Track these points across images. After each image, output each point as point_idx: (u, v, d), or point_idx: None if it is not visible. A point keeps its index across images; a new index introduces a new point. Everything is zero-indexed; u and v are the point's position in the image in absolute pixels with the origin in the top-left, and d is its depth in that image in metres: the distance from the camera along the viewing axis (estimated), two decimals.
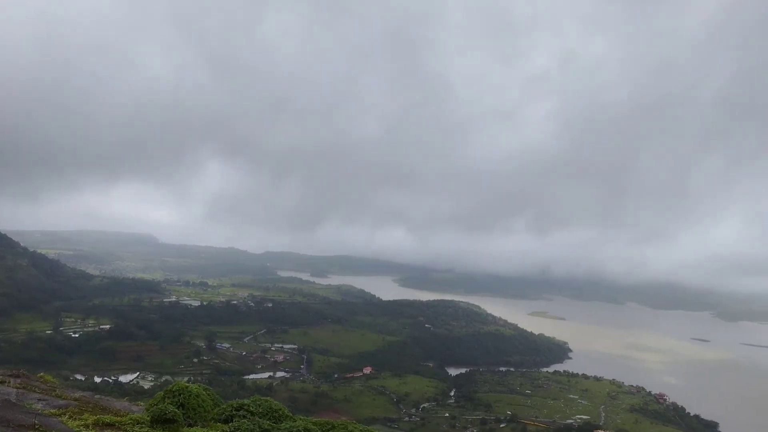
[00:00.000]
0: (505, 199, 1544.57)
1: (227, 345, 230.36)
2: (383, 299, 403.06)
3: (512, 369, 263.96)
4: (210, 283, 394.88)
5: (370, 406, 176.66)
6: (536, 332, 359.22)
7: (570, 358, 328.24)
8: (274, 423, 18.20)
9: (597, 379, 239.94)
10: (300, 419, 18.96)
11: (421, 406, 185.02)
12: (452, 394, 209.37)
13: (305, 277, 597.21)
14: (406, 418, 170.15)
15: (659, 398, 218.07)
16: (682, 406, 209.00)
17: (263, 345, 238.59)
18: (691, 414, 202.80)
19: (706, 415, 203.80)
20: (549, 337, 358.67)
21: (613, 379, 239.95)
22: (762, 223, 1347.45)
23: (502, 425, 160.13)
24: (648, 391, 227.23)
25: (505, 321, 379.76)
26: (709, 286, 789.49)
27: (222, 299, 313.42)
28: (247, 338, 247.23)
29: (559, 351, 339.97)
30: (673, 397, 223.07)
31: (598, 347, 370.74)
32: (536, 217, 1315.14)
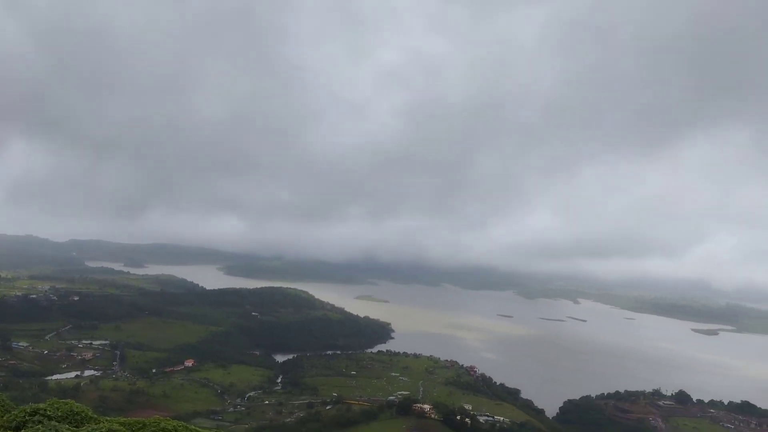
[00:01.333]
0: (343, 189, 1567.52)
1: (25, 344, 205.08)
2: (207, 289, 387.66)
3: (339, 352, 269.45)
4: (2, 276, 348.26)
5: (191, 400, 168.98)
6: (362, 315, 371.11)
7: (393, 338, 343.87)
8: (74, 427, 16.09)
9: (416, 356, 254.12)
10: (105, 421, 16.96)
11: (247, 396, 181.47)
12: (279, 381, 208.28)
13: (118, 267, 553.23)
14: (231, 409, 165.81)
15: (470, 370, 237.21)
16: (489, 377, 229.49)
17: (69, 342, 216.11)
18: (497, 383, 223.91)
19: (510, 383, 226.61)
20: (374, 320, 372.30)
21: (431, 356, 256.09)
22: (566, 214, 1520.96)
23: (328, 407, 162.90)
24: (461, 364, 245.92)
25: (333, 306, 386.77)
26: (515, 268, 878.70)
27: (18, 293, 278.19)
28: (50, 335, 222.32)
29: (382, 332, 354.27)
30: (482, 369, 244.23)
31: (418, 327, 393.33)
32: (370, 207, 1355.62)
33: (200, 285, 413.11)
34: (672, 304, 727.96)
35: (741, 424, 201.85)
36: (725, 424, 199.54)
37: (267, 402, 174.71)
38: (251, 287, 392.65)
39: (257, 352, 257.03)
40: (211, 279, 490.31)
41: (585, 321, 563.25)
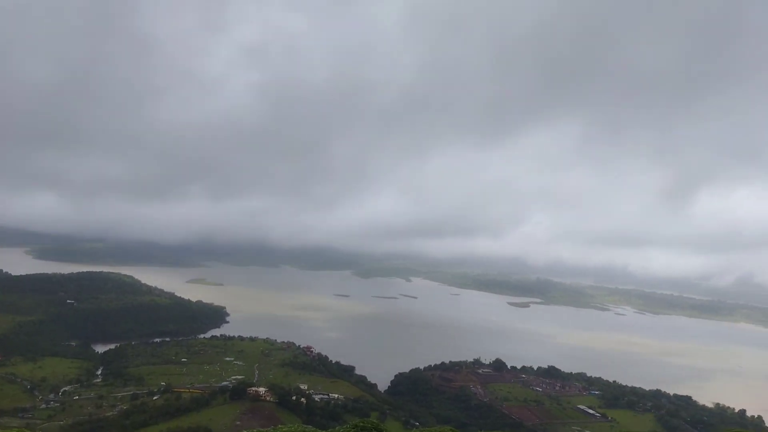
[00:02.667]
0: (186, 167, 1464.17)
1: None
2: (13, 274, 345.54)
3: (168, 339, 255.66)
4: None
5: None
6: (194, 300, 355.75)
7: (227, 322, 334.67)
8: None
9: (252, 339, 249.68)
10: None
11: (62, 390, 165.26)
12: (99, 372, 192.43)
13: None
14: (43, 406, 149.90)
15: (307, 351, 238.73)
16: (326, 356, 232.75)
17: None
18: (333, 362, 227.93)
19: (346, 361, 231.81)
20: (207, 304, 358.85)
21: (267, 338, 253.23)
22: (410, 197, 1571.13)
23: (155, 397, 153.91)
24: (297, 345, 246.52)
25: (162, 290, 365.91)
26: (356, 248, 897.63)
27: None
28: None
29: (216, 316, 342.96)
30: (318, 348, 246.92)
31: (254, 309, 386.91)
32: (213, 186, 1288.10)
33: (4, 270, 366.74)
34: (492, 280, 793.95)
35: (547, 387, 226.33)
36: (534, 388, 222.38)
37: (85, 396, 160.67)
38: (67, 272, 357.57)
39: (73, 343, 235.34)
40: (17, 264, 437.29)
41: (416, 298, 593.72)
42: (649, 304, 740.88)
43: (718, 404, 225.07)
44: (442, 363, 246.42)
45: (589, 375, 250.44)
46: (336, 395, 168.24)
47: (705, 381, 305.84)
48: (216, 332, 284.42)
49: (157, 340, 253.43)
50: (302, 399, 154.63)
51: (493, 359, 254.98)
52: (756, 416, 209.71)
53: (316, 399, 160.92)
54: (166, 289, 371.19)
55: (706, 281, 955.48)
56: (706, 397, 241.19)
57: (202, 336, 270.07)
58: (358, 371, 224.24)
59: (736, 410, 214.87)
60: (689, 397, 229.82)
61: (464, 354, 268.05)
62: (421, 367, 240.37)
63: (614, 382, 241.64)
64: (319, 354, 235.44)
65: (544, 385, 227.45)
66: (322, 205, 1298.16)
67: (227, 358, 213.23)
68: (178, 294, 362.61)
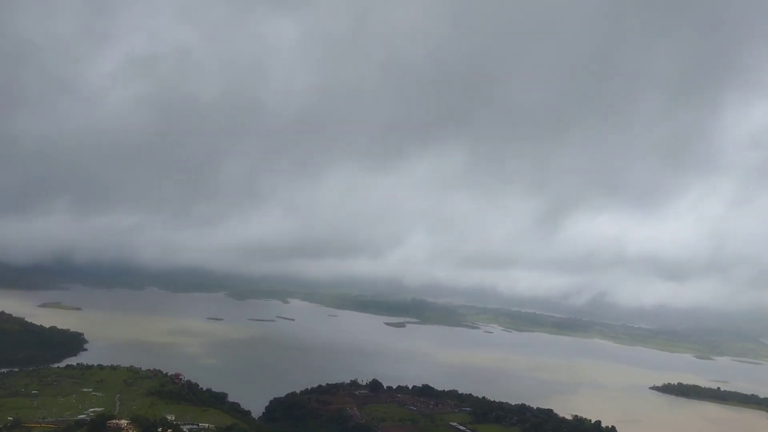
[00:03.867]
0: (53, 179, 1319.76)
1: None
2: None
3: (16, 369, 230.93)
4: None
5: None
6: (48, 326, 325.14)
7: (86, 350, 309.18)
8: None
9: (113, 368, 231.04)
10: None
11: None
12: None
13: None
14: None
15: (175, 378, 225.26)
16: (196, 383, 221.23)
17: None
18: (204, 389, 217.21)
19: (218, 387, 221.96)
20: (62, 330, 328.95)
21: (131, 366, 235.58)
22: (297, 217, 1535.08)
23: None
24: (165, 373, 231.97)
25: (10, 315, 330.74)
26: (232, 269, 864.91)
27: None
28: None
29: (73, 343, 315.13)
30: (189, 375, 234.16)
31: (117, 335, 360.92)
32: (79, 201, 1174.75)
33: None
34: (371, 301, 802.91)
35: (422, 405, 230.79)
36: (409, 407, 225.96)
37: None
38: None
39: None
40: None
41: (293, 320, 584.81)
42: (515, 322, 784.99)
43: (576, 416, 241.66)
44: (319, 386, 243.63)
45: (460, 392, 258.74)
46: (206, 425, 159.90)
47: (564, 394, 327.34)
48: (72, 361, 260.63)
49: (4, 370, 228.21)
50: (169, 430, 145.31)
51: (370, 380, 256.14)
52: (610, 426, 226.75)
53: (185, 429, 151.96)
54: (14, 314, 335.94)
55: (565, 300, 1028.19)
56: (566, 409, 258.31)
57: (56, 365, 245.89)
58: (231, 398, 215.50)
59: (593, 421, 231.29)
60: (551, 410, 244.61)
61: (341, 376, 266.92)
62: (298, 391, 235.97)
63: (483, 398, 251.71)
64: (188, 381, 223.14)
65: (418, 404, 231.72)
66: (202, 223, 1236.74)
67: (85, 389, 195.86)
68: (28, 320, 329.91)
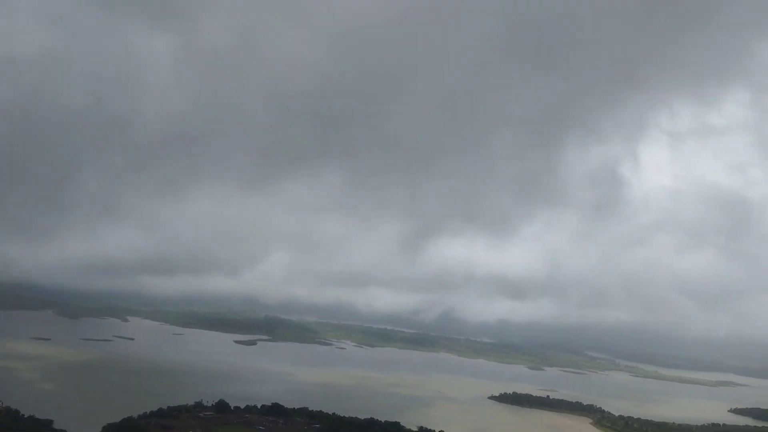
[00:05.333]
0: None
1: None
2: None
3: None
4: None
5: None
6: None
7: None
8: None
9: None
10: None
11: None
12: None
13: None
14: None
15: None
16: (16, 410, 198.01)
17: None
18: (26, 416, 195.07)
19: (42, 414, 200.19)
20: None
21: None
22: (152, 233, 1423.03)
23: None
24: None
25: None
26: (65, 285, 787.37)
27: None
28: None
29: None
30: (8, 401, 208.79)
31: None
32: None
33: None
34: (221, 318, 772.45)
35: (271, 424, 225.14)
36: (258, 426, 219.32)
37: None
38: None
39: None
40: None
41: (133, 339, 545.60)
42: (368, 338, 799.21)
43: (421, 427, 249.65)
44: (160, 409, 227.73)
45: (311, 409, 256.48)
46: None
47: (412, 407, 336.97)
48: None
49: None
50: None
51: (217, 400, 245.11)
52: None
53: None
54: None
55: (416, 316, 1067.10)
56: (414, 421, 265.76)
57: None
58: (57, 425, 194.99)
59: (437, 431, 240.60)
60: (398, 423, 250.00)
61: (185, 397, 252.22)
62: (135, 416, 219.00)
63: (333, 414, 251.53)
64: (8, 408, 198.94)
65: (267, 423, 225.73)
66: (38, 237, 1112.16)
67: None
68: None
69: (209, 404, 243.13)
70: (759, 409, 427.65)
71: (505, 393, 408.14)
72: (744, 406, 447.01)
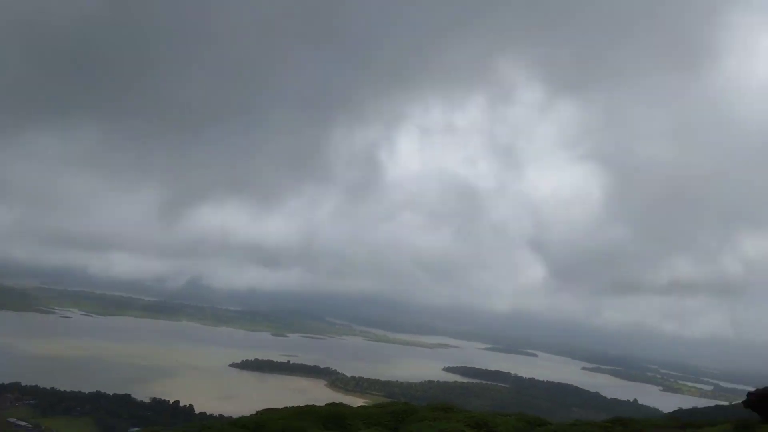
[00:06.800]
0: None
1: None
2: None
3: None
4: None
5: None
6: None
7: None
8: None
9: None
10: None
11: None
12: None
13: None
14: None
15: None
16: None
17: None
18: None
19: None
20: None
21: None
22: None
23: None
24: None
25: None
26: None
27: None
28: None
29: None
30: None
31: None
32: None
33: None
34: None
35: None
36: None
37: None
38: None
39: None
40: None
41: None
42: (100, 306, 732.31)
43: (154, 398, 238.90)
44: None
45: (24, 384, 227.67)
46: None
47: (147, 379, 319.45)
48: None
49: None
50: None
51: None
52: (188, 405, 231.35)
53: None
54: None
55: (161, 284, 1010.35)
56: (147, 393, 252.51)
57: None
58: None
59: (171, 402, 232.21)
60: (129, 395, 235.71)
61: None
62: None
63: (52, 388, 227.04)
64: None
65: None
66: None
67: None
68: None
69: None
70: (465, 367, 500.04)
71: (247, 360, 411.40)
72: (454, 365, 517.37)
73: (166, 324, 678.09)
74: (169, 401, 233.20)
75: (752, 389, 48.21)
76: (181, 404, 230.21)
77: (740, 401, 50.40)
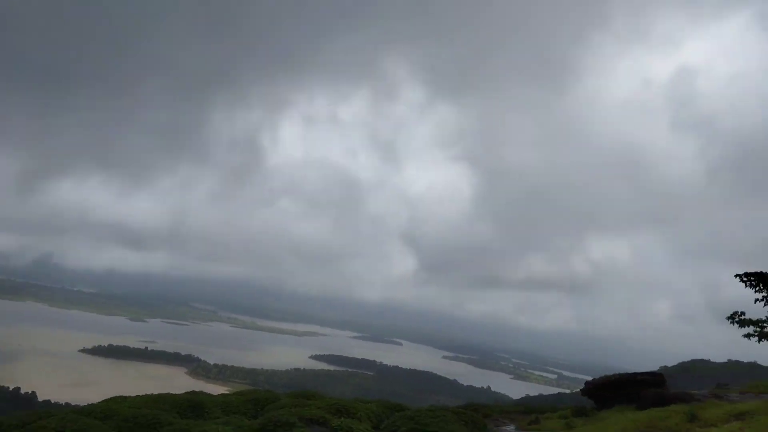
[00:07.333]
0: None
1: None
2: None
3: None
4: None
5: None
6: None
7: None
8: None
9: None
10: None
11: None
12: None
13: None
14: None
15: None
16: None
17: None
18: None
19: None
20: None
21: None
22: None
23: None
24: None
25: None
26: None
27: None
28: None
29: None
30: None
31: None
32: None
33: None
34: None
35: None
36: None
37: None
38: None
39: None
40: None
41: None
42: None
43: None
44: None
45: None
46: None
47: None
48: None
49: None
50: None
51: None
52: (30, 392, 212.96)
53: None
54: None
55: (4, 260, 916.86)
56: None
57: None
58: None
59: (11, 389, 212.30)
60: None
61: None
62: None
63: None
64: None
65: None
66: None
67: None
68: None
69: None
70: (332, 355, 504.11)
71: (100, 345, 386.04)
72: (322, 353, 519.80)
73: (6, 304, 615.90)
74: (8, 387, 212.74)
75: (590, 379, 53.31)
76: (22, 391, 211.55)
77: (579, 390, 55.53)
